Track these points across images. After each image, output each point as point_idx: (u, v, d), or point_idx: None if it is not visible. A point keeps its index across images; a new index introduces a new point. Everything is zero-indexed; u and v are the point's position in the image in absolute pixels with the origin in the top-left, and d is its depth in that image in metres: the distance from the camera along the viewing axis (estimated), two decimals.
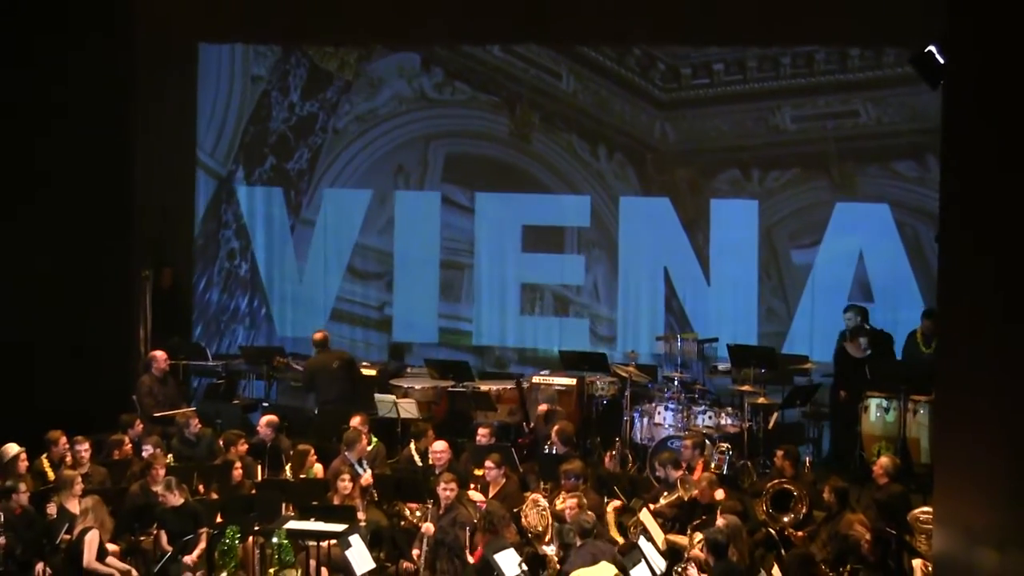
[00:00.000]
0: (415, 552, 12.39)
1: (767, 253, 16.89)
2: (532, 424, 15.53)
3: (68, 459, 13.47)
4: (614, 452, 15.13)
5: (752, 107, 16.87)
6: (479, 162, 17.55)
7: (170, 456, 13.79)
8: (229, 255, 17.65)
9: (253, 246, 17.57)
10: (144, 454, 13.54)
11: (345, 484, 12.96)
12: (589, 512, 12.01)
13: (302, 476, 13.67)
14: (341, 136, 17.61)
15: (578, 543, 11.53)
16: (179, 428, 14.41)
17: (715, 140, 17.02)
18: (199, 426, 14.47)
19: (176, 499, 12.27)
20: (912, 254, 16.41)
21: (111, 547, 12.19)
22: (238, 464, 13.33)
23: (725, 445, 14.68)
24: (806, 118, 16.82)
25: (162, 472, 12.89)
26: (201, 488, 13.04)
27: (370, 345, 17.02)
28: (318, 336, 16.22)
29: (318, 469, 13.83)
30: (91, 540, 11.92)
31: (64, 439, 13.60)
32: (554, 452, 14.05)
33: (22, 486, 12.39)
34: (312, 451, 13.94)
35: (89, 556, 11.88)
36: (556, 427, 14.27)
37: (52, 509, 12.39)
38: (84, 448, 13.35)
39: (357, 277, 17.10)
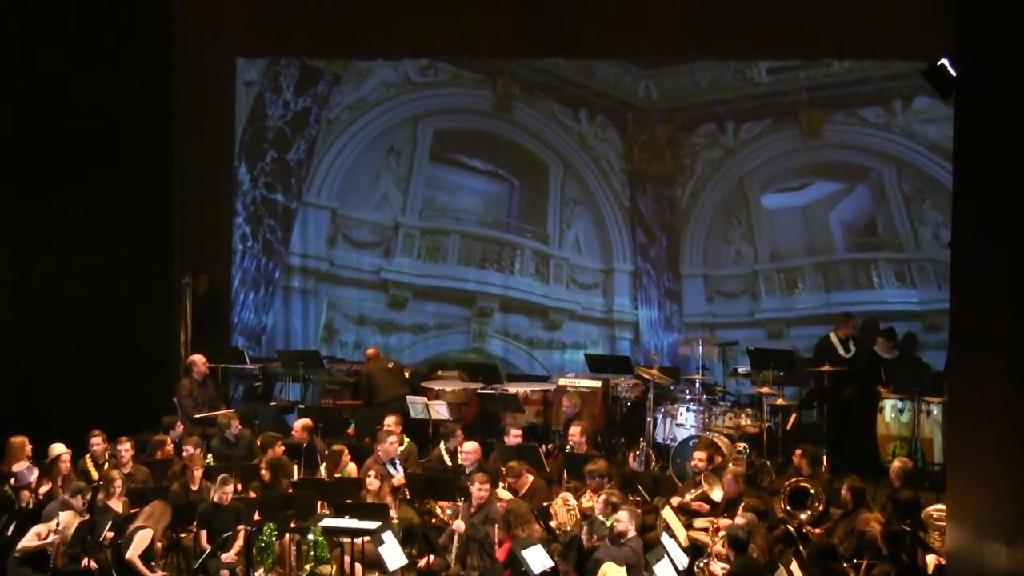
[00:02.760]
0: (441, 543, 12.65)
1: (738, 200, 17.28)
2: (554, 427, 15.86)
3: (107, 459, 13.75)
4: (638, 452, 15.43)
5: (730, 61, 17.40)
6: (465, 135, 18.06)
7: (209, 456, 14.03)
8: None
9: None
10: (184, 454, 13.80)
11: (371, 481, 13.23)
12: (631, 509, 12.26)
13: (337, 475, 13.89)
14: (334, 125, 18.14)
15: (630, 534, 11.72)
16: (220, 429, 14.65)
17: (694, 96, 17.48)
18: (240, 427, 14.72)
19: (228, 497, 12.54)
20: (876, 197, 16.89)
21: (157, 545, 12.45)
22: (264, 466, 13.54)
23: (742, 445, 14.94)
24: (780, 70, 17.26)
25: (199, 473, 13.20)
26: (239, 486, 13.28)
27: (363, 303, 17.67)
28: (370, 351, 16.62)
29: (352, 468, 14.08)
30: (142, 538, 12.16)
31: (104, 440, 13.88)
32: (576, 451, 14.28)
33: (87, 493, 12.57)
34: (346, 451, 14.19)
35: (134, 551, 12.11)
36: (578, 427, 14.54)
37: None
38: (126, 448, 13.61)
39: (354, 246, 17.62)
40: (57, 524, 12.15)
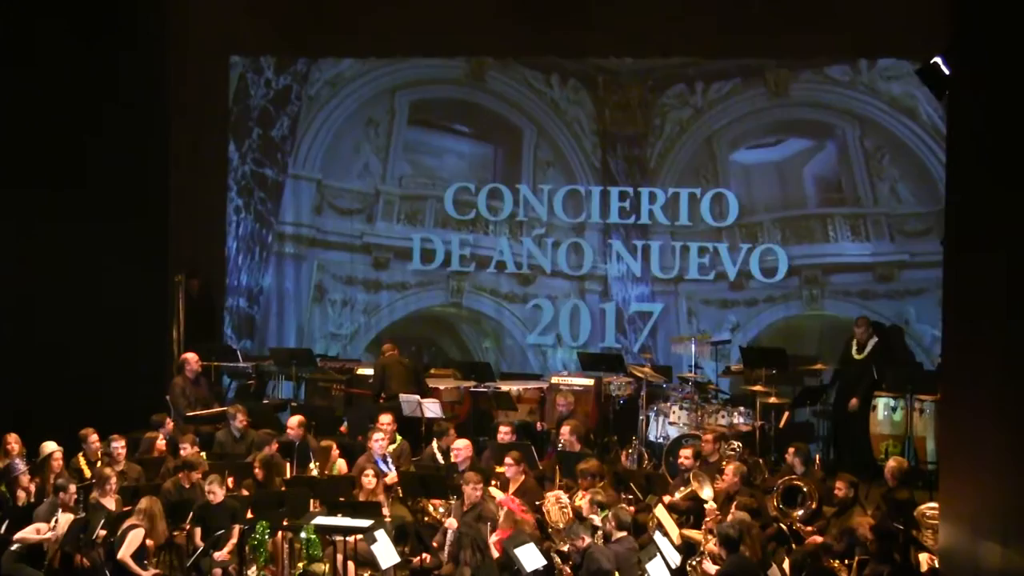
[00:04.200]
0: (436, 544, 12.67)
1: (706, 158, 17.77)
2: (545, 425, 15.90)
3: (100, 457, 13.78)
4: (631, 450, 15.44)
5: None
6: (441, 104, 18.59)
7: (203, 454, 14.03)
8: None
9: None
10: (182, 452, 13.80)
11: (368, 480, 13.24)
12: (624, 506, 12.30)
13: (327, 472, 13.92)
14: (315, 101, 18.71)
15: (615, 536, 11.79)
16: (227, 421, 14.77)
17: (664, 56, 17.92)
18: (245, 422, 14.74)
19: (219, 496, 12.54)
20: (841, 154, 17.32)
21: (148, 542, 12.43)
22: (257, 465, 13.57)
23: (735, 443, 14.99)
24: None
25: (198, 476, 13.12)
26: (232, 482, 13.31)
27: (349, 264, 18.41)
28: (386, 346, 16.78)
29: (341, 465, 14.14)
30: (134, 537, 12.13)
31: (97, 437, 13.91)
32: (567, 450, 14.29)
33: (71, 486, 12.63)
34: (335, 446, 14.25)
35: (126, 551, 12.11)
36: (568, 426, 14.57)
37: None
38: (120, 445, 13.61)
39: (339, 213, 18.40)
40: (55, 522, 12.15)
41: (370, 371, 16.90)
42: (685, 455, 13.63)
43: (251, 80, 18.73)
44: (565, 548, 12.26)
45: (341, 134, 18.53)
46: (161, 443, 14.36)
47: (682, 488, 13.20)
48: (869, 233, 17.18)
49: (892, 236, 17.09)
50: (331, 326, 18.09)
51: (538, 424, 16.13)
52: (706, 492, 12.92)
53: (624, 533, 11.83)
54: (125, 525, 12.28)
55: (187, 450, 13.73)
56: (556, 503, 12.95)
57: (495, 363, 17.75)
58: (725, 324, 17.58)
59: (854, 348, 16.06)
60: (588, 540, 11.83)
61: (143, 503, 12.39)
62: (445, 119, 18.53)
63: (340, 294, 18.41)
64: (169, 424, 14.81)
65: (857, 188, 17.27)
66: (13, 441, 13.56)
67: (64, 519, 12.27)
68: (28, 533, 12.22)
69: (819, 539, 12.31)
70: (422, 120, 18.54)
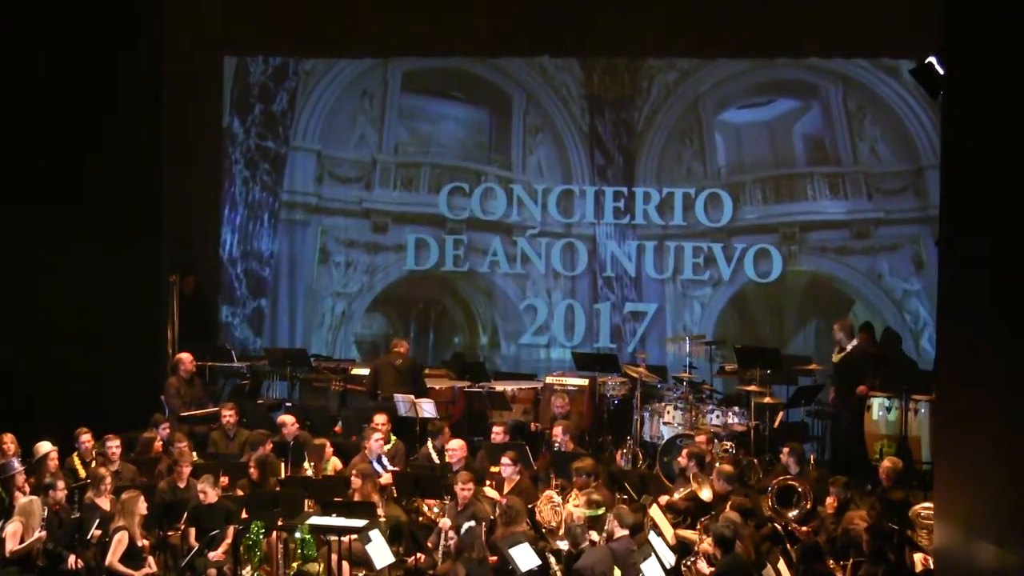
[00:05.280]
0: (430, 544, 12.68)
1: (692, 121, 18.08)
2: (539, 426, 15.92)
3: (94, 457, 13.76)
4: (625, 450, 15.45)
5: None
6: (433, 73, 19.05)
7: (194, 454, 14.07)
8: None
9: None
10: (175, 449, 13.84)
11: (355, 481, 13.24)
12: (626, 507, 12.30)
13: (322, 472, 13.92)
14: (311, 75, 19.25)
15: (617, 534, 11.78)
16: (220, 422, 14.83)
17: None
18: (231, 419, 14.80)
19: (212, 496, 12.54)
20: (825, 114, 17.69)
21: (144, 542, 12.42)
22: (252, 464, 13.61)
23: (728, 444, 14.99)
24: None
25: (187, 470, 13.19)
26: (226, 481, 13.35)
27: (351, 229, 19.01)
28: (393, 344, 16.86)
29: (335, 463, 14.15)
30: (119, 541, 12.08)
31: (90, 437, 13.89)
32: (562, 450, 14.32)
33: (60, 484, 12.64)
34: (328, 444, 14.26)
35: (113, 556, 12.06)
36: (561, 425, 14.60)
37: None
38: (115, 445, 13.63)
39: (339, 181, 19.00)
40: (43, 524, 12.14)
41: (364, 371, 16.95)
42: (684, 456, 13.65)
43: (250, 59, 19.23)
44: (563, 546, 12.26)
45: (337, 106, 19.07)
46: (158, 443, 14.36)
47: (681, 488, 13.21)
48: (847, 191, 17.66)
49: (870, 194, 17.57)
50: (336, 285, 18.77)
51: (532, 424, 16.13)
52: (705, 493, 12.94)
53: (626, 532, 11.84)
54: (112, 527, 12.22)
55: (179, 447, 13.78)
56: (548, 502, 12.97)
57: (491, 335, 18.33)
58: (703, 274, 18.11)
59: (835, 350, 16.08)
60: (589, 540, 11.85)
61: (124, 500, 12.28)
62: (438, 86, 18.99)
63: (343, 256, 19.00)
64: (167, 426, 14.81)
65: (839, 147, 17.67)
66: (8, 441, 13.54)
67: (23, 505, 12.24)
68: (15, 544, 12.14)
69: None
70: (416, 88, 19.01)
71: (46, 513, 12.25)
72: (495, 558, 12.20)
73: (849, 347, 15.71)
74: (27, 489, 13.02)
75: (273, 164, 18.99)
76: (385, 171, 18.83)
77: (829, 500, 12.67)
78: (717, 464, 13.56)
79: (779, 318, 17.82)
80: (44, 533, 12.15)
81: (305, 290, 18.87)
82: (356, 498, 13.06)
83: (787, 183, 17.79)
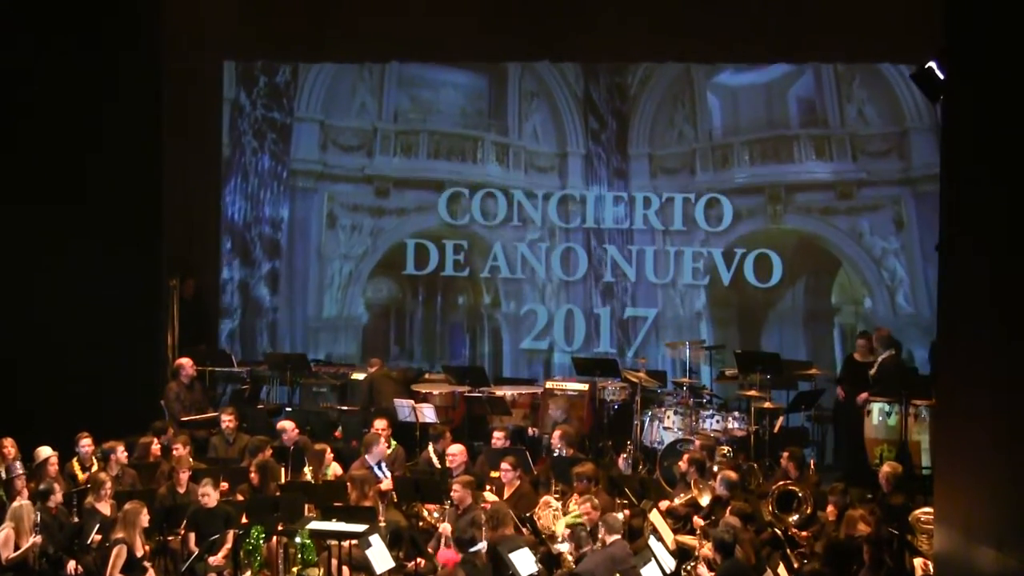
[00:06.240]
0: (430, 548, 12.67)
1: (684, 85, 18.25)
2: (537, 431, 15.92)
3: (94, 462, 13.77)
4: (627, 455, 15.43)
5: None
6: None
7: (191, 460, 14.05)
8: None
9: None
10: (174, 452, 13.87)
11: (351, 491, 13.24)
12: (614, 514, 12.28)
13: (321, 476, 13.93)
14: None
15: (608, 540, 11.78)
16: (220, 428, 14.84)
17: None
18: (230, 424, 14.82)
19: (212, 500, 12.54)
20: (815, 77, 17.84)
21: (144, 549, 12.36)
22: (252, 469, 13.57)
23: (726, 448, 14.99)
24: None
25: (185, 476, 13.20)
26: (226, 486, 13.34)
27: (355, 194, 19.37)
28: (373, 360, 17.05)
29: (335, 468, 14.15)
30: (118, 553, 11.97)
31: (90, 441, 13.89)
32: (562, 455, 14.33)
33: (57, 488, 12.63)
34: (328, 450, 14.25)
35: (112, 570, 11.97)
36: (560, 431, 14.60)
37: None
38: (120, 450, 13.65)
39: (342, 150, 19.39)
40: (36, 527, 12.13)
41: (363, 375, 16.96)
42: (684, 461, 13.65)
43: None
44: (564, 549, 12.26)
45: (338, 76, 19.36)
46: (156, 448, 14.35)
47: (682, 494, 13.20)
48: (833, 153, 17.88)
49: (855, 156, 17.79)
50: (343, 248, 19.21)
51: (529, 429, 16.12)
52: (706, 499, 12.94)
53: (617, 536, 11.82)
54: (113, 537, 12.16)
55: (178, 451, 13.80)
56: (546, 507, 12.97)
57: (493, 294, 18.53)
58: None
59: (856, 353, 16.11)
60: (589, 545, 11.85)
61: (127, 511, 12.20)
62: (434, 55, 19.15)
63: (349, 220, 19.36)
64: (171, 431, 14.84)
65: (828, 110, 17.85)
66: (9, 445, 13.54)
67: (14, 510, 12.19)
68: (8, 548, 12.11)
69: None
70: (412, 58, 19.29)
71: (38, 518, 12.19)
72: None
73: (884, 356, 15.72)
74: (27, 494, 13.01)
75: (279, 134, 19.42)
76: (385, 139, 19.22)
77: (830, 508, 12.67)
78: (715, 469, 13.56)
79: (768, 277, 17.99)
80: (39, 538, 12.12)
81: (315, 253, 19.32)
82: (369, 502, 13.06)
83: (774, 145, 18.04)
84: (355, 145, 19.28)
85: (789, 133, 17.94)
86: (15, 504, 12.35)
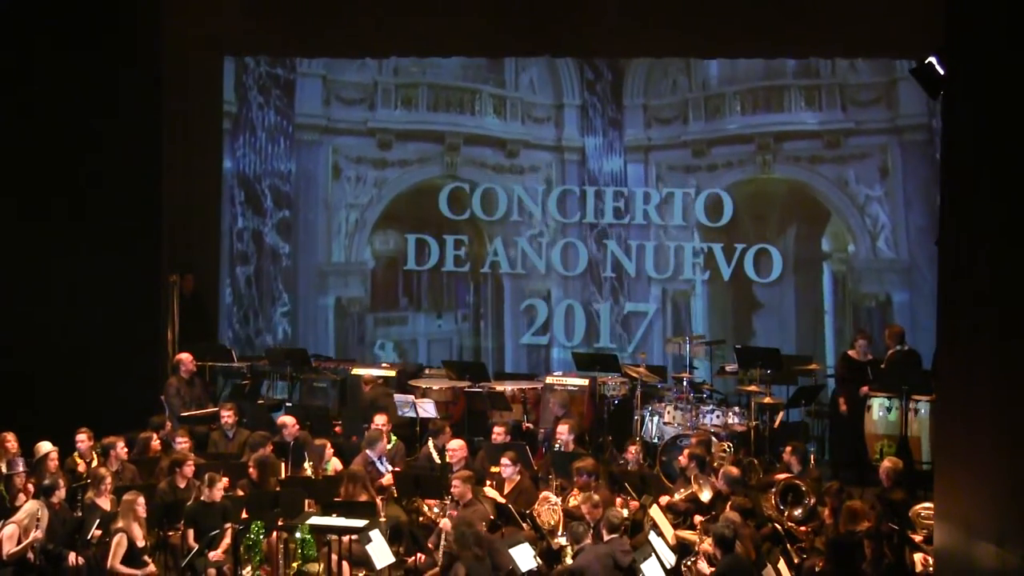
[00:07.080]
0: (431, 544, 12.68)
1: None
2: (531, 426, 15.92)
3: (93, 457, 13.79)
4: (632, 449, 15.37)
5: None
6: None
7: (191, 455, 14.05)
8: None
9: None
10: (176, 446, 13.89)
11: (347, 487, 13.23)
12: (617, 511, 12.30)
13: (321, 472, 13.94)
14: None
15: (607, 538, 11.81)
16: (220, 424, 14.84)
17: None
18: (230, 419, 14.83)
19: (215, 495, 12.53)
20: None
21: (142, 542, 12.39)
22: (252, 465, 13.59)
23: (726, 444, 14.99)
24: None
25: (189, 470, 13.18)
26: (227, 481, 13.29)
27: (358, 146, 19.66)
28: (367, 378, 16.93)
29: (335, 463, 14.15)
30: (118, 543, 12.05)
31: (87, 436, 13.90)
32: (563, 449, 14.33)
33: (60, 483, 12.63)
34: (328, 445, 14.26)
35: (113, 559, 12.05)
36: (567, 424, 14.58)
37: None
38: (120, 446, 13.64)
39: (344, 103, 19.67)
40: (37, 523, 12.14)
41: (365, 371, 16.97)
42: (684, 456, 13.65)
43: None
44: (565, 543, 12.27)
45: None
46: (156, 443, 14.35)
47: (682, 489, 13.21)
48: (823, 103, 18.01)
49: (844, 106, 17.90)
50: (349, 198, 19.56)
51: (524, 425, 16.12)
52: (706, 494, 12.94)
53: (615, 535, 11.83)
54: (113, 528, 12.21)
55: (182, 444, 13.82)
56: (545, 502, 12.97)
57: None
58: (688, 184, 18.37)
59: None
60: (586, 540, 11.86)
61: (125, 501, 12.27)
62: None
63: (353, 172, 19.64)
64: (168, 426, 14.85)
65: (819, 59, 17.98)
66: (10, 440, 13.54)
67: (29, 508, 12.24)
68: (12, 547, 12.13)
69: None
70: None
71: (45, 515, 12.23)
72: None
73: (895, 349, 15.71)
74: (29, 489, 13.02)
75: (284, 89, 19.66)
76: (386, 92, 19.48)
77: (826, 512, 12.67)
78: (716, 464, 13.56)
79: (763, 224, 18.19)
80: (39, 534, 12.14)
81: (322, 203, 19.62)
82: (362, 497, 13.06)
83: (766, 95, 18.18)
84: (357, 99, 19.60)
85: (782, 83, 18.08)
86: (30, 503, 12.39)
